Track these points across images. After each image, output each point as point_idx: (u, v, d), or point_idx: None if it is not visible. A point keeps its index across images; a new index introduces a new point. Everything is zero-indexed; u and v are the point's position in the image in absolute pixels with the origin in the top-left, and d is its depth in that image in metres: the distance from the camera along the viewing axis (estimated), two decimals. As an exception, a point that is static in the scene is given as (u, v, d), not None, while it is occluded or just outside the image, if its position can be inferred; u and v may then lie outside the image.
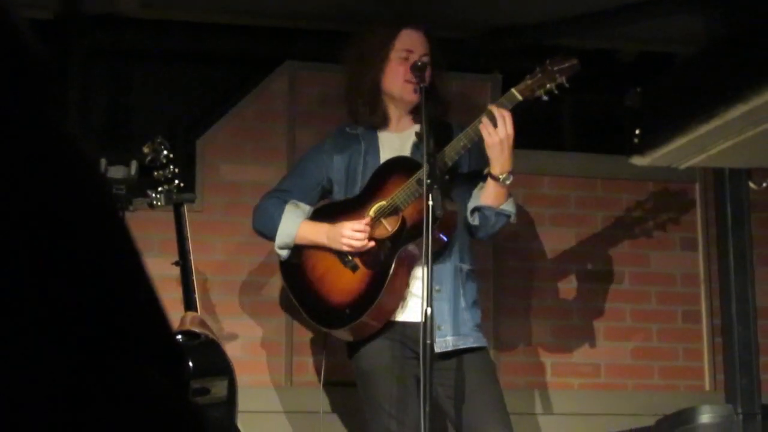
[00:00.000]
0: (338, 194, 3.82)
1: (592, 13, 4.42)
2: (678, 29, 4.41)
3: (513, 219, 3.73)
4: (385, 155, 3.76)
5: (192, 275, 3.76)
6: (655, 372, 4.69)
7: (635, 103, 1.87)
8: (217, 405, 3.57)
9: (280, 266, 3.88)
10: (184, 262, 3.78)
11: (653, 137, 1.84)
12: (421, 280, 3.44)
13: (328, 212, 3.78)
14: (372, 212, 3.66)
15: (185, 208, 3.87)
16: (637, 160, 1.89)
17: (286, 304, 4.41)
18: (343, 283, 3.68)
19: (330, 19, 4.49)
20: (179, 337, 3.58)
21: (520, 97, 3.56)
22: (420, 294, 3.51)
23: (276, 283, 4.43)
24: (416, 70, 3.62)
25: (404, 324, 3.61)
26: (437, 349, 3.51)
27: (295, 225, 3.73)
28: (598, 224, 4.75)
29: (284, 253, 3.77)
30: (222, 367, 3.63)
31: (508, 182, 3.57)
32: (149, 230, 4.16)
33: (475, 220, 3.68)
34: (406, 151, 3.75)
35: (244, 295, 4.40)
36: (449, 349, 3.59)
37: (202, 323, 3.70)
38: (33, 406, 0.62)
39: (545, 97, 3.59)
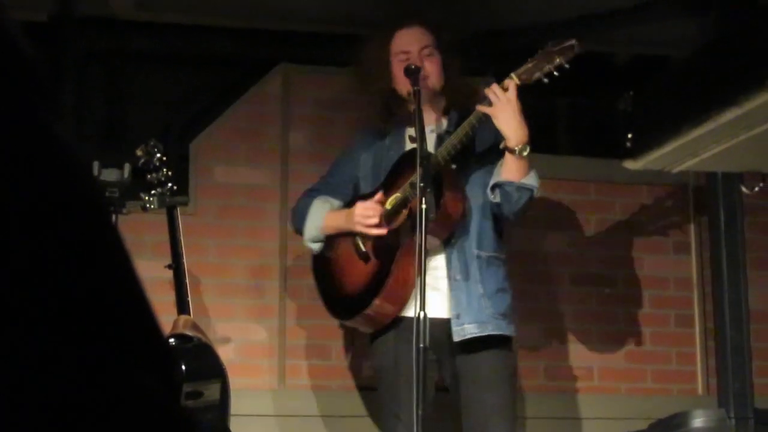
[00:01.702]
0: (365, 190, 3.84)
1: (586, 16, 4.42)
2: (672, 33, 4.42)
3: (536, 193, 3.60)
4: (409, 149, 3.76)
5: (185, 278, 3.76)
6: (648, 376, 4.69)
7: (628, 106, 1.88)
8: (209, 408, 3.57)
9: (312, 261, 3.94)
10: (177, 265, 3.77)
11: (646, 141, 1.84)
12: (436, 270, 3.53)
13: (352, 205, 3.80)
14: (388, 205, 3.67)
15: (178, 211, 3.86)
16: (630, 164, 1.90)
17: (279, 307, 4.41)
18: (356, 274, 3.72)
19: (324, 21, 4.49)
20: (172, 340, 3.57)
21: (517, 81, 3.47)
22: (436, 285, 3.55)
23: (269, 286, 4.43)
24: (410, 73, 3.61)
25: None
26: (455, 338, 3.53)
27: (321, 216, 3.79)
28: (592, 228, 4.75)
29: (316, 246, 3.84)
30: (215, 371, 3.62)
31: (524, 153, 3.46)
32: (142, 233, 4.15)
33: (496, 197, 3.59)
34: (430, 143, 3.73)
35: (237, 298, 4.40)
36: (467, 337, 3.54)
37: (195, 326, 3.69)
38: (20, 412, 0.62)
39: (545, 80, 3.48)
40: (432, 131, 3.79)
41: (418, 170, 3.32)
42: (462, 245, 3.62)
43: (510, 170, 3.52)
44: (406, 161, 3.68)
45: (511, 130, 3.44)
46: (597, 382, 4.65)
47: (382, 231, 3.63)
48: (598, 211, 4.76)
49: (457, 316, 3.55)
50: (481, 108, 3.49)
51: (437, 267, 3.59)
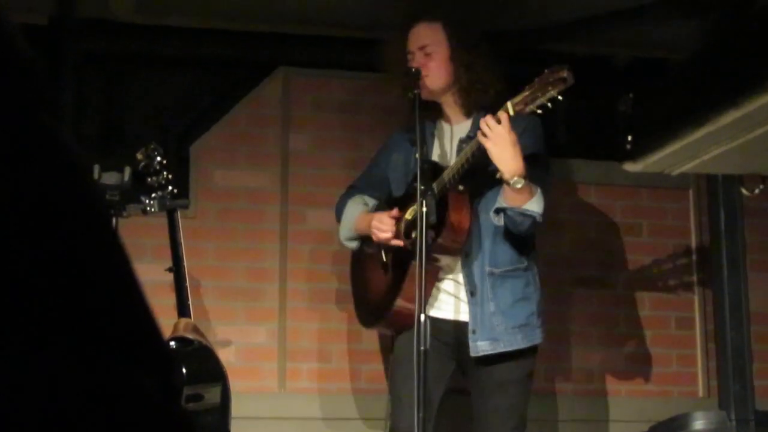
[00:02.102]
0: (396, 191, 3.87)
1: (585, 18, 4.42)
2: (672, 35, 4.42)
3: (539, 219, 3.54)
4: (436, 148, 3.77)
5: (185, 281, 3.75)
6: (649, 378, 4.69)
7: (628, 109, 1.87)
8: (210, 411, 3.56)
9: (350, 259, 4.03)
10: (177, 268, 3.77)
11: (646, 143, 1.84)
12: (457, 284, 3.60)
13: (382, 208, 3.85)
14: (408, 215, 3.69)
15: (179, 214, 3.86)
16: (630, 166, 1.89)
17: (279, 310, 4.41)
18: (376, 283, 3.81)
19: (323, 24, 4.50)
20: (172, 343, 3.57)
21: (511, 112, 3.40)
22: (455, 293, 3.62)
23: (269, 289, 4.42)
24: (407, 76, 3.62)
25: (434, 319, 3.52)
26: (471, 353, 3.56)
27: (353, 218, 3.87)
28: (592, 230, 4.75)
29: (352, 245, 3.92)
30: (215, 374, 3.62)
31: (519, 186, 3.41)
32: (142, 236, 4.15)
33: (500, 221, 3.57)
34: (453, 146, 3.74)
35: (237, 301, 4.40)
36: (480, 354, 3.57)
37: (196, 329, 3.69)
38: (19, 413, 0.62)
39: (539, 111, 3.41)
40: (432, 134, 3.79)
41: (419, 173, 3.34)
42: (475, 262, 3.64)
43: (509, 198, 3.50)
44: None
45: (503, 164, 3.40)
46: (597, 385, 4.65)
47: (399, 242, 3.66)
48: (598, 213, 4.76)
49: (473, 332, 3.58)
50: (479, 137, 3.47)
51: (457, 281, 3.65)
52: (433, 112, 3.80)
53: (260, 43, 4.62)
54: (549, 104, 3.38)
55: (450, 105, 3.78)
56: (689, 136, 1.74)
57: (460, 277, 3.63)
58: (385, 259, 3.76)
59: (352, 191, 3.99)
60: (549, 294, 4.66)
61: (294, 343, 4.41)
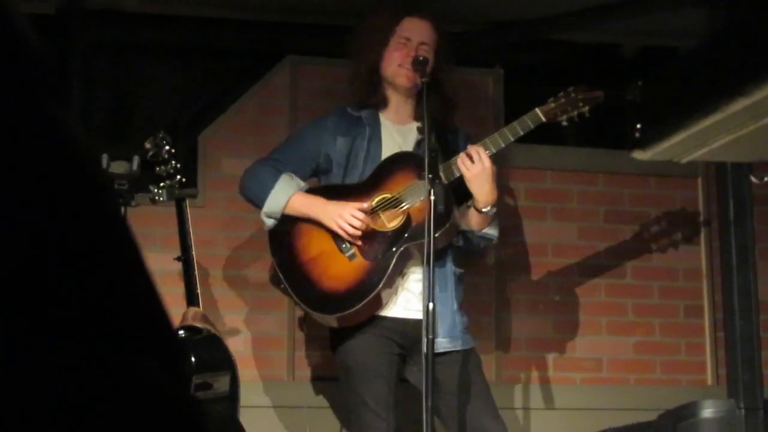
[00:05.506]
0: (336, 176, 3.79)
1: (594, 7, 4.41)
2: (681, 23, 4.40)
3: (495, 241, 3.84)
4: (386, 145, 3.76)
5: (194, 270, 3.76)
6: (658, 367, 4.69)
7: (636, 97, 1.87)
8: (219, 400, 3.57)
9: (269, 239, 3.79)
10: (186, 257, 3.78)
11: (654, 131, 1.84)
12: (421, 277, 3.47)
13: (326, 193, 3.74)
14: (374, 203, 3.65)
15: (187, 203, 3.87)
16: (639, 155, 1.89)
17: (288, 299, 4.41)
18: (338, 270, 3.65)
19: (331, 13, 4.49)
20: (181, 332, 3.58)
21: (544, 119, 3.64)
22: (414, 290, 3.57)
23: (278, 278, 4.43)
24: (417, 64, 3.62)
25: (393, 320, 3.62)
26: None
27: (287, 195, 3.69)
28: (600, 219, 4.74)
29: (270, 222, 3.72)
30: (224, 362, 3.63)
31: (491, 214, 3.64)
32: (151, 225, 4.16)
33: (459, 242, 3.74)
34: (409, 147, 3.76)
35: (246, 290, 4.40)
36: (441, 350, 3.55)
37: (205, 318, 3.70)
38: (30, 402, 0.62)
39: (565, 123, 3.69)
40: (377, 127, 3.79)
41: (426, 163, 3.33)
42: (443, 260, 3.68)
43: (473, 222, 3.68)
44: (400, 162, 3.68)
45: (484, 195, 3.58)
46: (606, 373, 4.65)
47: (357, 242, 3.62)
48: (606, 202, 4.76)
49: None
50: (460, 166, 3.56)
51: (419, 277, 3.57)
52: (378, 98, 3.79)
53: (268, 32, 4.62)
54: (577, 119, 3.69)
55: (403, 104, 3.78)
56: (698, 124, 1.74)
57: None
58: (349, 245, 3.64)
59: (277, 164, 3.77)
60: (557, 283, 4.67)
61: (303, 332, 4.41)
